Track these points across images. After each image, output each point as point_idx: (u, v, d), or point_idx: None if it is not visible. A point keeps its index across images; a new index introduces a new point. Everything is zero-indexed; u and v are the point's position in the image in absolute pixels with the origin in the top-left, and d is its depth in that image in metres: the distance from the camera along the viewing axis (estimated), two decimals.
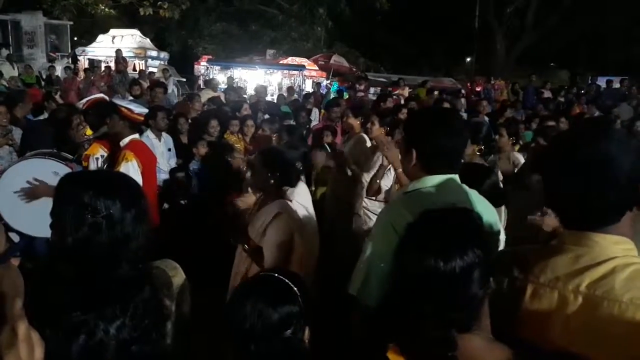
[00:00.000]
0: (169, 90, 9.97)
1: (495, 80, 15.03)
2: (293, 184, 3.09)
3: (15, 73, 11.55)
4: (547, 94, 12.99)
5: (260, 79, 14.90)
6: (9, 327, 0.75)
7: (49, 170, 3.99)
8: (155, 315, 1.19)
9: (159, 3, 15.49)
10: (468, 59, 26.93)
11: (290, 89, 11.50)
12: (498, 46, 24.26)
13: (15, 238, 3.54)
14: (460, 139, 1.86)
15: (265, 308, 1.50)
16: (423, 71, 19.52)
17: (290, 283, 1.60)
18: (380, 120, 4.56)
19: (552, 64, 27.58)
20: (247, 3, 23.11)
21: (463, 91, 13.25)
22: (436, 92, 10.77)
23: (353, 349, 1.71)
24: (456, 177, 1.87)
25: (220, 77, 14.87)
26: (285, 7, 23.22)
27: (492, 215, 1.88)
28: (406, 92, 11.41)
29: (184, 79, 15.05)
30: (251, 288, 1.62)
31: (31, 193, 3.73)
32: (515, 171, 4.32)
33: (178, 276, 1.69)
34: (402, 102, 8.21)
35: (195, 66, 17.38)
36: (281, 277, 1.63)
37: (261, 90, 9.22)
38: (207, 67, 16.08)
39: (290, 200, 3.04)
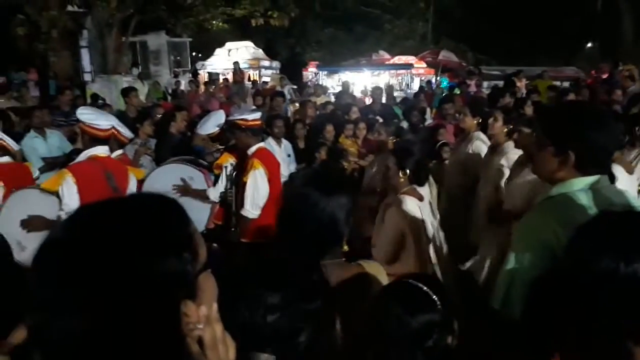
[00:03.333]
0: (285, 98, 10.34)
1: (624, 66, 13.69)
2: (422, 183, 3.09)
3: (145, 90, 12.66)
4: None
5: (368, 81, 14.96)
6: (211, 328, 0.83)
7: (186, 175, 4.39)
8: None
9: (269, 12, 16.12)
10: (589, 45, 24.88)
11: (376, 89, 10.63)
12: (625, 27, 22.11)
13: None
14: (614, 137, 1.72)
15: (404, 315, 1.49)
16: (539, 61, 18.32)
17: (428, 290, 1.58)
18: (503, 117, 4.36)
19: None
20: (351, 6, 23.32)
21: (587, 80, 12.26)
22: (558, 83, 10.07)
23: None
24: (606, 177, 1.74)
25: (329, 81, 15.15)
26: (387, 5, 23.10)
27: None
28: (523, 83, 10.81)
29: (295, 86, 15.55)
30: (388, 294, 1.62)
31: (177, 191, 4.17)
32: None
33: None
34: (522, 95, 7.79)
35: (304, 72, 17.89)
36: (418, 283, 1.61)
37: (376, 93, 9.20)
38: (316, 73, 16.48)
39: (421, 199, 3.03)
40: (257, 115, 4.04)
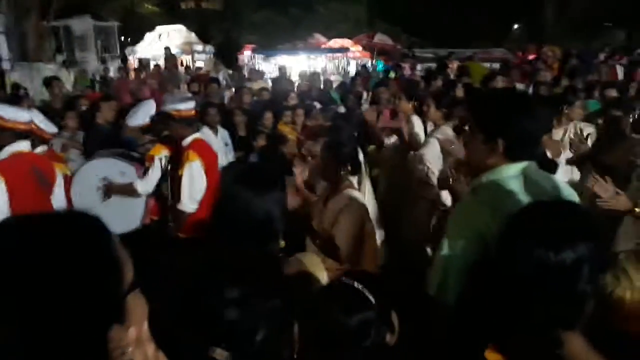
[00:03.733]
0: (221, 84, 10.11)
1: (548, 47, 14.37)
2: (355, 173, 3.10)
3: (71, 78, 12.02)
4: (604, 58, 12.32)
5: (304, 64, 14.87)
6: (142, 350, 0.80)
7: (117, 170, 4.20)
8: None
9: None
10: (516, 26, 25.87)
11: (314, 74, 10.49)
12: (548, 9, 23.19)
13: None
14: (542, 122, 1.78)
15: (339, 316, 1.46)
16: (470, 43, 18.90)
17: (362, 288, 1.55)
18: (435, 102, 4.45)
19: (606, 24, 26.11)
20: None
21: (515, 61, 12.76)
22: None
23: (442, 348, 1.70)
24: (534, 163, 1.79)
25: (265, 66, 14.95)
26: None
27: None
28: (455, 66, 11.10)
29: (231, 71, 15.23)
30: (324, 295, 1.59)
31: (105, 191, 4.00)
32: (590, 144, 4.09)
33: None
34: (452, 77, 8.00)
35: (239, 57, 17.54)
36: (352, 282, 1.58)
37: (314, 78, 9.15)
38: (251, 57, 16.20)
39: (357, 190, 3.06)
40: (191, 104, 3.91)
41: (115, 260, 0.79)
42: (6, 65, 12.15)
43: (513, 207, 1.37)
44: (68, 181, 3.93)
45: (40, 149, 3.74)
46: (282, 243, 1.84)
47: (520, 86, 7.40)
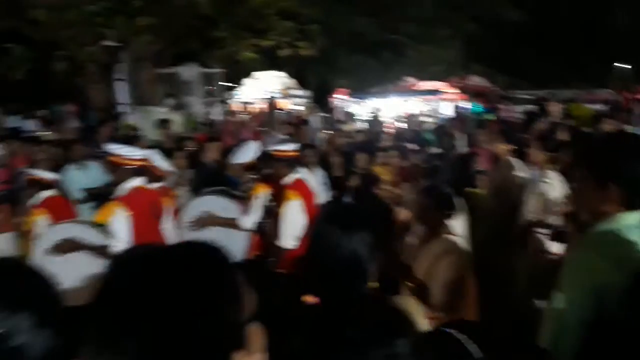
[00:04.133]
0: (315, 126, 10.45)
1: None
2: (454, 217, 3.04)
3: (179, 120, 12.94)
4: None
5: (396, 107, 14.98)
6: None
7: (221, 206, 4.45)
8: None
9: (296, 43, 16.38)
10: (619, 65, 24.41)
11: (409, 116, 10.80)
12: None
13: None
14: None
15: None
16: (570, 84, 18.07)
17: (464, 339, 1.48)
18: (539, 144, 4.30)
19: None
20: (376, 33, 23.54)
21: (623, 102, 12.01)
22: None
23: None
24: None
25: (357, 108, 15.23)
26: (412, 32, 23.24)
27: None
28: (557, 107, 10.66)
29: (326, 114, 15.66)
30: (425, 344, 1.54)
31: (201, 223, 4.22)
32: None
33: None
34: (556, 120, 7.67)
35: (332, 100, 18.04)
36: (453, 332, 1.51)
37: (407, 120, 9.21)
38: (344, 100, 16.60)
39: (456, 235, 3.00)
40: (293, 146, 4.08)
41: (237, 289, 0.83)
42: (123, 109, 13.40)
43: (634, 259, 1.29)
44: (175, 215, 4.22)
45: (155, 185, 4.07)
46: (374, 284, 1.82)
47: (629, 129, 6.95)
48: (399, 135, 8.18)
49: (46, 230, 3.92)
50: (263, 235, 4.31)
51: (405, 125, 9.25)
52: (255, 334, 0.84)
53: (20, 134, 8.48)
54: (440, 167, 4.71)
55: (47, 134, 9.43)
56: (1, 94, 16.01)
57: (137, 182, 3.67)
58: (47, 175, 4.58)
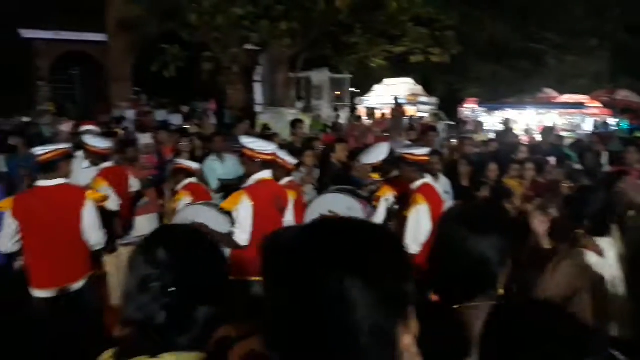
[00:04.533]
0: (440, 134, 10.22)
1: None
2: (603, 234, 2.78)
3: (308, 122, 13.39)
4: None
5: (531, 119, 14.11)
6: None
7: (345, 205, 4.49)
8: None
9: (430, 49, 16.13)
10: None
11: (547, 129, 9.94)
12: None
13: None
14: None
15: None
16: None
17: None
18: None
19: None
20: (516, 42, 22.38)
21: None
22: None
23: None
24: None
25: (487, 119, 14.61)
26: (554, 41, 21.72)
27: None
28: None
29: (453, 123, 15.28)
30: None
31: None
32: None
33: None
34: None
35: (460, 109, 17.50)
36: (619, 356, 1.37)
37: (546, 133, 8.62)
38: (474, 110, 16.02)
39: (600, 254, 2.73)
40: (425, 150, 4.02)
41: (409, 266, 0.86)
42: (258, 109, 14.19)
43: None
44: (299, 208, 4.34)
45: (285, 180, 4.24)
46: (501, 291, 1.71)
47: None
48: (536, 148, 7.66)
49: (184, 208, 4.27)
50: None
51: (539, 138, 8.64)
52: (413, 316, 0.85)
53: (168, 126, 9.30)
54: (589, 185, 4.33)
55: (191, 127, 10.29)
56: (154, 90, 17.86)
57: (264, 174, 3.84)
58: (190, 164, 4.98)
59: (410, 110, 17.46)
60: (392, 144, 7.40)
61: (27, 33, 17.85)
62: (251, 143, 3.89)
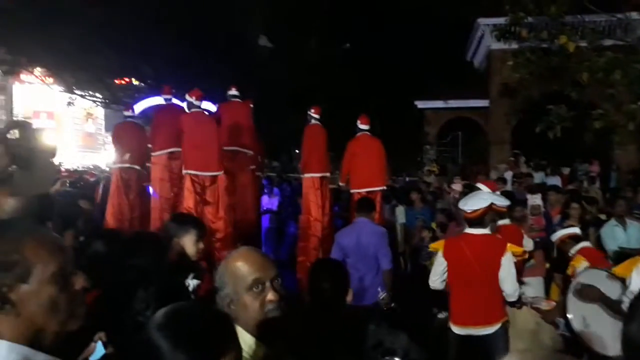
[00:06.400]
0: None
1: None
2: None
3: None
4: None
5: None
6: None
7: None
8: None
9: None
10: None
11: None
12: None
13: None
14: None
15: None
16: None
17: None
18: None
19: None
20: None
21: None
22: None
23: None
24: None
25: None
26: None
27: None
28: None
29: None
30: None
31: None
32: None
33: None
34: None
35: None
36: None
37: None
38: None
39: None
40: None
41: None
42: None
43: None
44: None
45: None
46: None
47: None
48: None
49: (582, 272, 4.14)
50: None
51: None
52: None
53: (553, 188, 8.90)
54: None
55: (587, 190, 9.62)
56: (533, 151, 17.60)
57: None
58: (576, 230, 4.78)
59: None
60: None
61: (421, 104, 20.45)
62: None
